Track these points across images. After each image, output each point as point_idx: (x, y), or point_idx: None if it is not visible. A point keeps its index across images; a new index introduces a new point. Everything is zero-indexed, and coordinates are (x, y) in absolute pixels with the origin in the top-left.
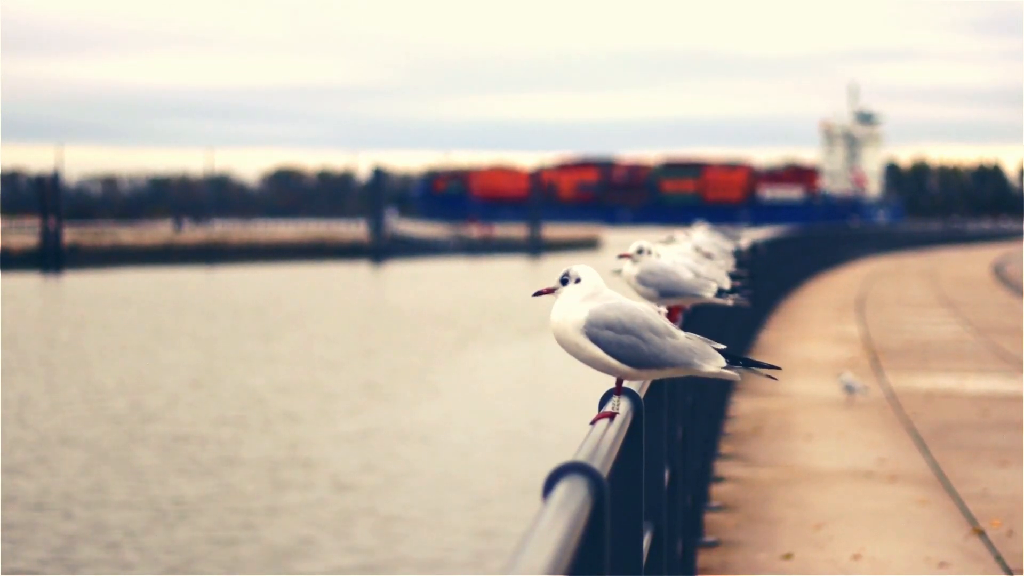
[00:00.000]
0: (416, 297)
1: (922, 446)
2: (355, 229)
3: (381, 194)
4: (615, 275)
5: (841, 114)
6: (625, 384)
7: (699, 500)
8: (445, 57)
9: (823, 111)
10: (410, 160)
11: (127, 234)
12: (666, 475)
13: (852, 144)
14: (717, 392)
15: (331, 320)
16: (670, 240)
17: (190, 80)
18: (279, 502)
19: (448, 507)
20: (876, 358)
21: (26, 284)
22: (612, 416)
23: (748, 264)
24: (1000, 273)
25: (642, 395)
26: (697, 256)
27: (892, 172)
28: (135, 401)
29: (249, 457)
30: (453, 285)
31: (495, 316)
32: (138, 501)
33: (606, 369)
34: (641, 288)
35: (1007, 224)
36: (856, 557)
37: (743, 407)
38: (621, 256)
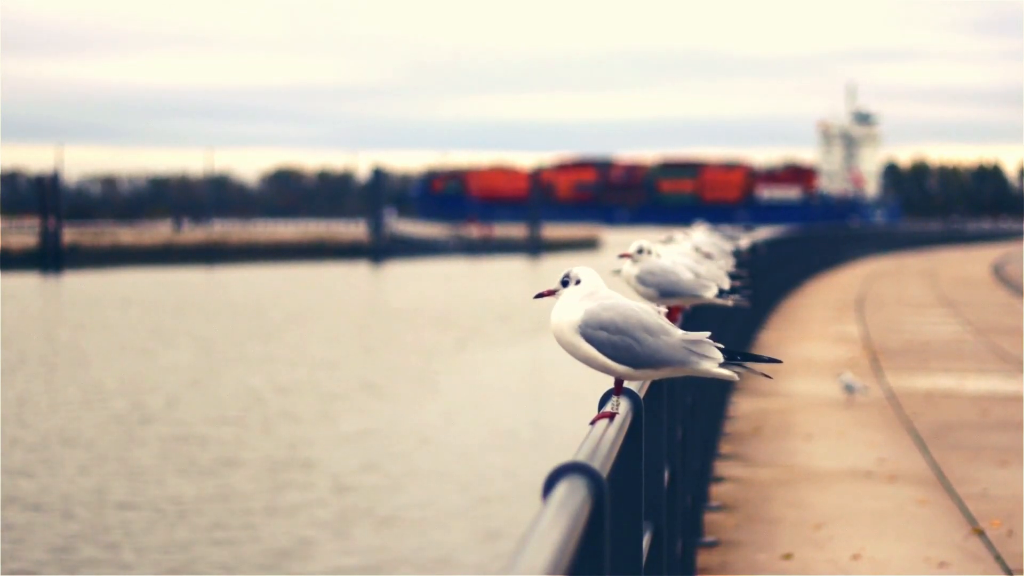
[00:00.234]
0: (416, 297)
1: (922, 446)
2: (355, 229)
3: (381, 194)
4: (615, 275)
5: (839, 114)
6: (625, 384)
7: (699, 500)
8: (444, 57)
9: (821, 111)
10: (410, 160)
11: (127, 234)
12: (666, 475)
13: (850, 144)
14: (717, 392)
15: (331, 320)
16: (669, 240)
17: (190, 80)
18: (279, 502)
19: (448, 507)
20: (876, 358)
21: (26, 284)
22: (612, 416)
23: (748, 264)
24: (1000, 273)
25: (642, 395)
26: (697, 256)
27: (892, 172)
28: (135, 401)
29: (249, 457)
30: (453, 285)
31: (495, 316)
32: (138, 501)
33: (603, 369)
34: (641, 288)
35: (1007, 224)
36: (856, 557)
37: (743, 407)
38: (622, 256)
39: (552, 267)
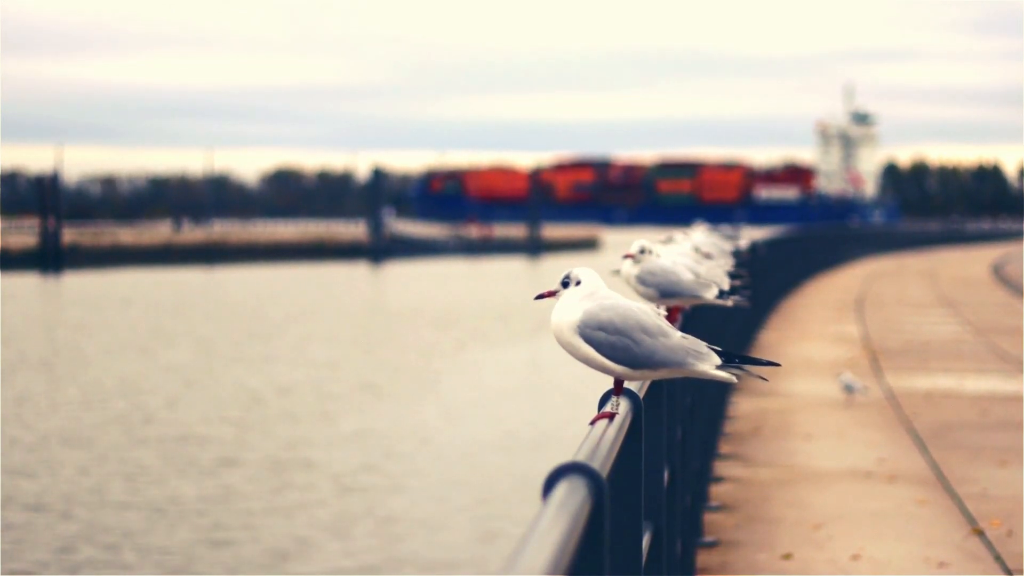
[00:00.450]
0: (416, 297)
1: (921, 446)
2: (354, 229)
3: (380, 194)
4: (614, 275)
5: (837, 114)
6: (624, 384)
7: (698, 500)
8: (443, 57)
9: (820, 111)
10: (409, 160)
11: (126, 234)
12: (665, 475)
13: (848, 144)
14: (717, 392)
15: (330, 320)
16: (669, 240)
17: (190, 80)
18: (279, 502)
19: (448, 507)
20: (875, 358)
21: (26, 284)
22: (611, 416)
23: (747, 264)
24: (1000, 273)
25: (641, 395)
26: (696, 256)
27: (891, 172)
28: (135, 401)
29: (249, 457)
30: (452, 285)
31: (495, 316)
32: (138, 501)
33: (602, 369)
34: (641, 288)
35: (1006, 224)
36: (855, 557)
37: (743, 407)
38: (626, 256)
39: (552, 267)
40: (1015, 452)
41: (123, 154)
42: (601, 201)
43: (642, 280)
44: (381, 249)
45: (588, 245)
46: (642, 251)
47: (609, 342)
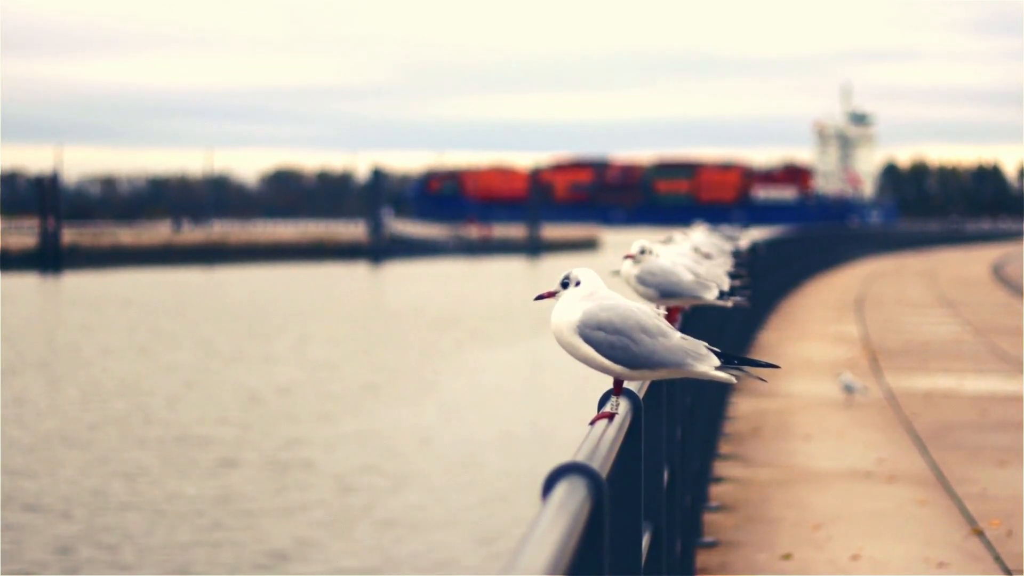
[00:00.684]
0: (415, 297)
1: (921, 446)
2: (354, 229)
3: (380, 194)
4: (614, 275)
5: (834, 115)
6: (624, 385)
7: (698, 500)
8: (443, 57)
9: (818, 112)
10: (409, 160)
11: (126, 234)
12: (665, 475)
13: (845, 144)
14: (716, 392)
15: (330, 320)
16: (669, 240)
17: (190, 80)
18: (279, 502)
19: (447, 507)
20: (875, 358)
21: (25, 284)
22: (611, 416)
23: (747, 264)
24: (999, 273)
25: (641, 395)
26: (696, 256)
27: (891, 172)
28: (135, 402)
29: (249, 457)
30: (452, 285)
31: (495, 316)
32: (138, 502)
33: (601, 369)
34: (641, 288)
35: (1006, 224)
36: (855, 557)
37: (742, 407)
38: (626, 257)
39: (552, 267)
40: (1015, 452)
41: (123, 154)
42: (599, 201)
43: (642, 280)
44: (381, 249)
45: (587, 245)
46: (642, 251)
47: (609, 342)
